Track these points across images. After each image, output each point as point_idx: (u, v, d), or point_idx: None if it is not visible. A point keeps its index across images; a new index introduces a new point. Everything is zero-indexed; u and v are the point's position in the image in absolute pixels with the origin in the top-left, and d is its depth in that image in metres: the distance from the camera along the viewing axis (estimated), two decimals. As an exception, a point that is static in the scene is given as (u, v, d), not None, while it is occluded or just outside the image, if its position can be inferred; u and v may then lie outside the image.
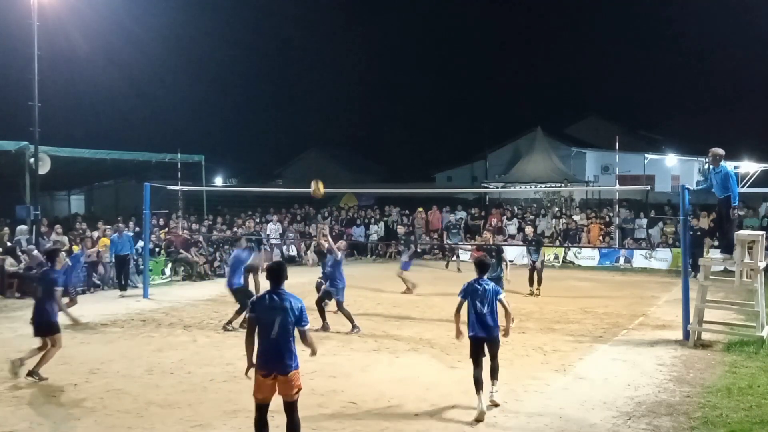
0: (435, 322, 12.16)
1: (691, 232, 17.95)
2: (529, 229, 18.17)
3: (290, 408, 5.80)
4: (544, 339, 10.70)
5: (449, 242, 19.86)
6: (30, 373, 8.31)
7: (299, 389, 5.82)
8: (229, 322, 11.41)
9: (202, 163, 24.17)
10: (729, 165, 10.87)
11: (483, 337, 7.23)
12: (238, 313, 11.03)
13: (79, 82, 36.96)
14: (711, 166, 10.73)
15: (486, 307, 7.26)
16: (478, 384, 7.10)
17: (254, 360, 5.80)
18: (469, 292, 7.41)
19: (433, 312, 13.22)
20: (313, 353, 6.10)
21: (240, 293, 11.39)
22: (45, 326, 8.45)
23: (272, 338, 5.72)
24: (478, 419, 6.87)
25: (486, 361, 7.31)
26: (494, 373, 7.43)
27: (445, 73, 74.64)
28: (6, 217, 19.74)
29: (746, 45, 56.68)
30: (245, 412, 7.21)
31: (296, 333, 5.87)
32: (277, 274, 5.99)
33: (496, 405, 7.26)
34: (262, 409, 5.86)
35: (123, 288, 15.92)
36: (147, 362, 9.26)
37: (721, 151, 10.62)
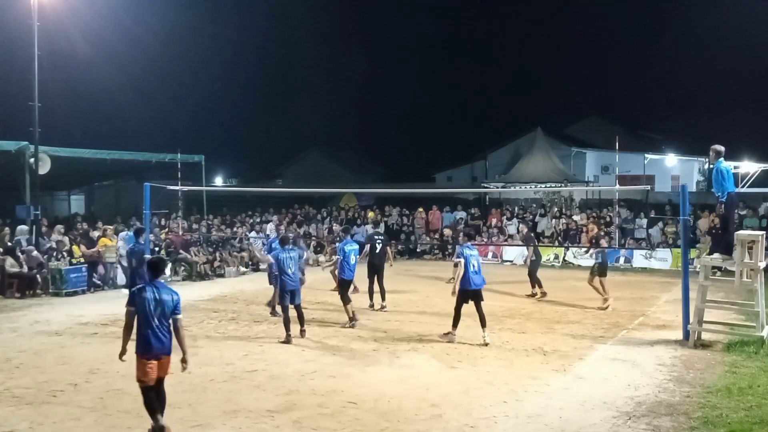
0: (435, 322, 12.15)
1: (714, 231, 17.83)
2: (522, 227, 17.92)
3: (160, 383, 6.59)
4: (544, 339, 10.70)
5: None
6: None
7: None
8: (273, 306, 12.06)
9: (202, 163, 24.18)
10: (729, 164, 10.83)
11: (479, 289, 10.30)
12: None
13: (79, 82, 36.92)
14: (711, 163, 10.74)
15: (478, 266, 10.36)
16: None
17: (139, 348, 6.48)
18: (466, 255, 10.21)
19: (432, 312, 13.21)
20: (182, 348, 6.60)
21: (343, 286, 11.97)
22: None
23: (155, 325, 6.41)
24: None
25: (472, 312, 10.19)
26: (484, 321, 10.27)
27: (445, 73, 74.66)
28: (6, 217, 19.74)
29: (746, 45, 56.71)
30: (245, 412, 7.23)
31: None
32: (156, 267, 6.72)
33: (487, 344, 10.06)
34: (150, 390, 6.48)
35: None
36: (147, 362, 9.25)
37: (718, 148, 10.61)
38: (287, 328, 10.49)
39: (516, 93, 63.32)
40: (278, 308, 11.40)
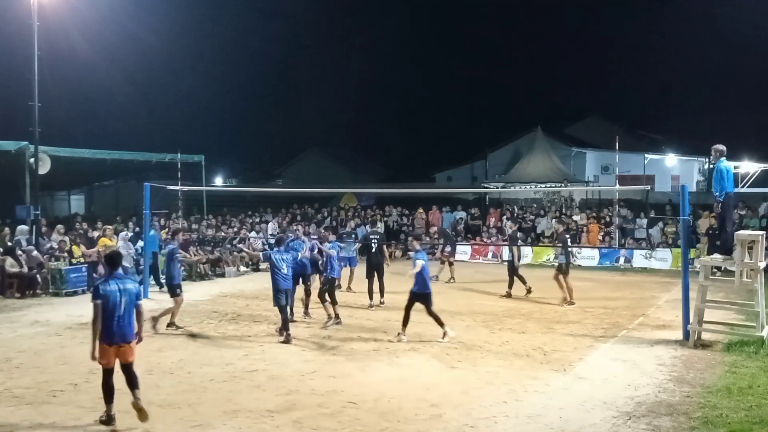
0: (435, 322, 12.14)
1: (710, 232, 17.87)
2: (509, 225, 17.90)
3: (128, 368, 6.92)
4: (544, 339, 10.70)
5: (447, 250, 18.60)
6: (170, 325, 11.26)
7: (134, 358, 7.00)
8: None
9: (202, 163, 24.19)
10: (729, 164, 10.83)
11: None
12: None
13: (79, 82, 36.97)
14: (713, 163, 10.76)
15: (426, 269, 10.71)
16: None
17: (103, 336, 6.78)
18: (425, 258, 10.71)
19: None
20: (139, 330, 7.08)
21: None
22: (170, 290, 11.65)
23: (119, 314, 6.80)
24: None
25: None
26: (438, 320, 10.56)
27: (445, 73, 74.68)
28: (6, 217, 19.73)
29: (747, 45, 56.67)
30: (245, 412, 7.23)
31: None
32: (113, 261, 7.32)
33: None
34: (110, 373, 6.90)
35: (161, 285, 16.18)
36: (147, 362, 9.23)
37: (720, 147, 10.62)
38: (286, 328, 10.55)
39: (516, 93, 63.35)
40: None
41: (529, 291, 14.93)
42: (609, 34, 74.64)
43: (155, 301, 14.79)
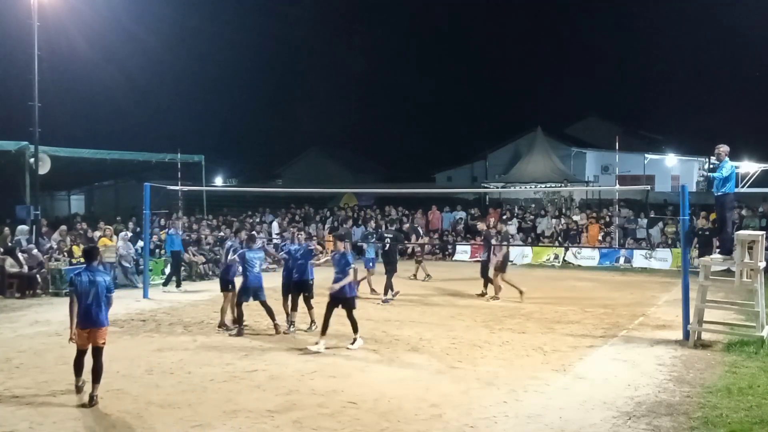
0: (435, 322, 12.16)
1: (700, 233, 17.93)
2: (481, 225, 17.63)
3: (97, 353, 7.66)
4: (544, 339, 10.70)
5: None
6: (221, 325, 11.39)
7: (104, 341, 7.75)
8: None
9: (202, 163, 24.20)
10: (731, 164, 10.82)
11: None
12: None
13: (79, 82, 36.98)
14: (715, 162, 10.75)
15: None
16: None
17: (78, 320, 7.60)
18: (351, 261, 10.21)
19: (432, 312, 13.22)
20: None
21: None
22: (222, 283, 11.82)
23: (89, 303, 7.58)
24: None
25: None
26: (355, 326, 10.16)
27: (445, 73, 74.70)
28: (6, 217, 19.74)
29: (746, 45, 56.66)
30: (245, 412, 7.23)
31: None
32: (90, 254, 8.05)
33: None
34: (81, 353, 7.75)
35: (179, 284, 16.49)
36: (147, 362, 9.26)
37: (724, 147, 10.61)
38: (240, 322, 11.13)
39: (516, 93, 63.37)
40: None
41: (483, 295, 14.91)
42: (609, 34, 74.71)
43: (155, 301, 14.83)
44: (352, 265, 10.24)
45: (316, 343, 9.97)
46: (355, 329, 10.17)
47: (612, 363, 9.24)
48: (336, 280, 10.14)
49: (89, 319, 7.58)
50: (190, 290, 16.49)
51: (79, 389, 7.75)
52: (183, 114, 54.50)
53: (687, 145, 37.24)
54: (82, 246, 17.03)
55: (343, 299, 10.14)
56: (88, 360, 7.67)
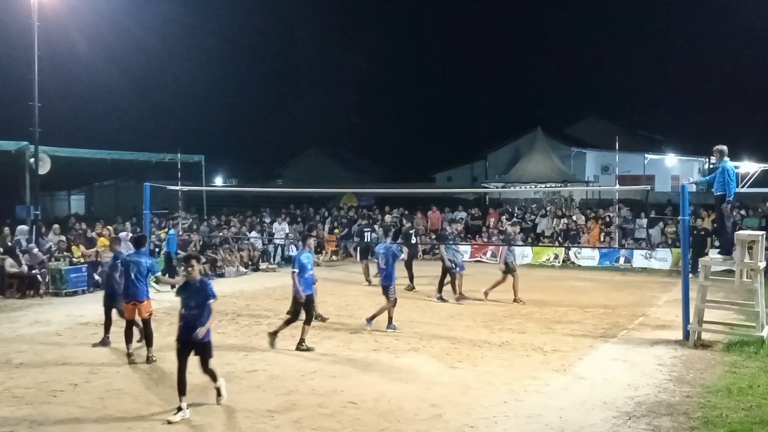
0: (435, 322, 12.16)
1: (695, 232, 17.94)
2: (453, 227, 17.38)
3: (145, 323, 9.43)
4: (544, 339, 10.70)
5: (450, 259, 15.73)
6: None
7: (150, 314, 9.55)
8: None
9: (202, 163, 24.18)
10: (731, 163, 10.84)
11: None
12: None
13: (79, 82, 36.89)
14: (714, 163, 10.76)
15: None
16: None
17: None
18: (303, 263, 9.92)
19: (432, 312, 13.22)
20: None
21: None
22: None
23: (132, 278, 9.24)
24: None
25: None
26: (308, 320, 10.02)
27: (445, 73, 74.71)
28: (6, 217, 19.74)
29: (746, 45, 56.73)
30: (245, 412, 7.23)
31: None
32: (139, 242, 9.86)
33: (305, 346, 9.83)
34: (129, 324, 9.41)
35: (173, 285, 16.27)
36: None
37: (722, 148, 10.63)
38: (107, 331, 10.25)
39: (516, 93, 63.42)
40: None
41: (410, 288, 15.51)
42: (609, 34, 74.71)
43: (155, 301, 14.76)
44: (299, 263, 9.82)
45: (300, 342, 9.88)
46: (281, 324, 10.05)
47: (612, 363, 9.24)
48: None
49: (131, 292, 9.25)
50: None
51: (129, 356, 9.20)
52: (183, 114, 54.41)
53: (687, 145, 37.28)
54: (81, 246, 17.09)
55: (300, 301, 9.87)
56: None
